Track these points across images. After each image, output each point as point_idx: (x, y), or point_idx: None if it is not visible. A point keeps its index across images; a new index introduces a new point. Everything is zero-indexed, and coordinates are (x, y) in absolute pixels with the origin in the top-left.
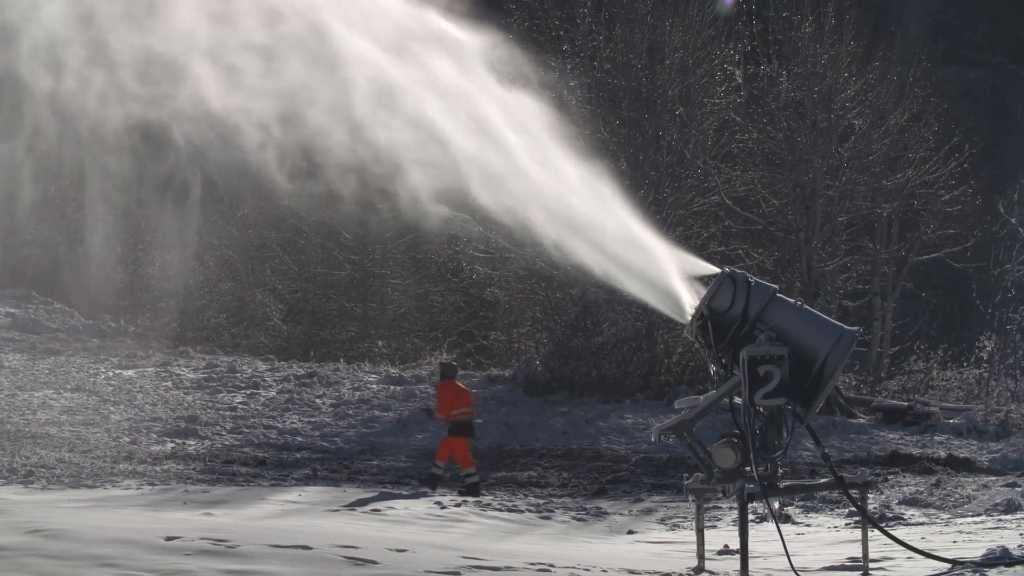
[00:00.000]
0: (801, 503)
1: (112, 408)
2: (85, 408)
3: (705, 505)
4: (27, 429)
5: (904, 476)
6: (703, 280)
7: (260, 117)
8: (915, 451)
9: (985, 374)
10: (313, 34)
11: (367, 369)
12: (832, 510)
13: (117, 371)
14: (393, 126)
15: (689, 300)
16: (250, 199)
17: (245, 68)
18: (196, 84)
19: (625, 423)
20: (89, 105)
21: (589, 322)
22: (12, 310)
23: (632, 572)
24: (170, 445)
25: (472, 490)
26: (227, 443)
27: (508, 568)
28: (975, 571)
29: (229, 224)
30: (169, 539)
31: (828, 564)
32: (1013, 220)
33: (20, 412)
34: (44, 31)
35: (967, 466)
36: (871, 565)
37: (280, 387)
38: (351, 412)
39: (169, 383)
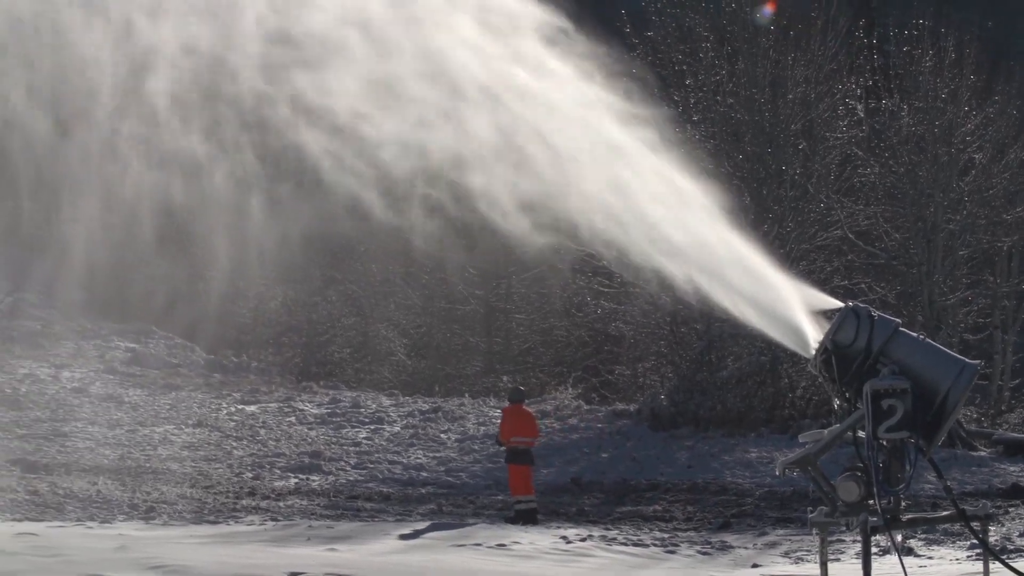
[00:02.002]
0: (923, 536)
1: (234, 443)
2: (207, 443)
3: (829, 538)
4: (148, 465)
5: None
6: (827, 314)
7: (382, 149)
8: None
9: None
10: (434, 65)
11: (492, 404)
12: (954, 542)
13: (239, 406)
14: (519, 160)
15: (813, 334)
16: (374, 234)
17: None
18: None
19: (749, 457)
20: (200, 146)
21: (714, 356)
22: (133, 345)
23: None
24: (293, 480)
25: (523, 517)
26: (351, 478)
27: None
28: None
29: (352, 259)
30: (292, 575)
31: None
32: None
33: (141, 448)
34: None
35: None
36: None
37: (405, 422)
38: (476, 447)
39: (292, 418)
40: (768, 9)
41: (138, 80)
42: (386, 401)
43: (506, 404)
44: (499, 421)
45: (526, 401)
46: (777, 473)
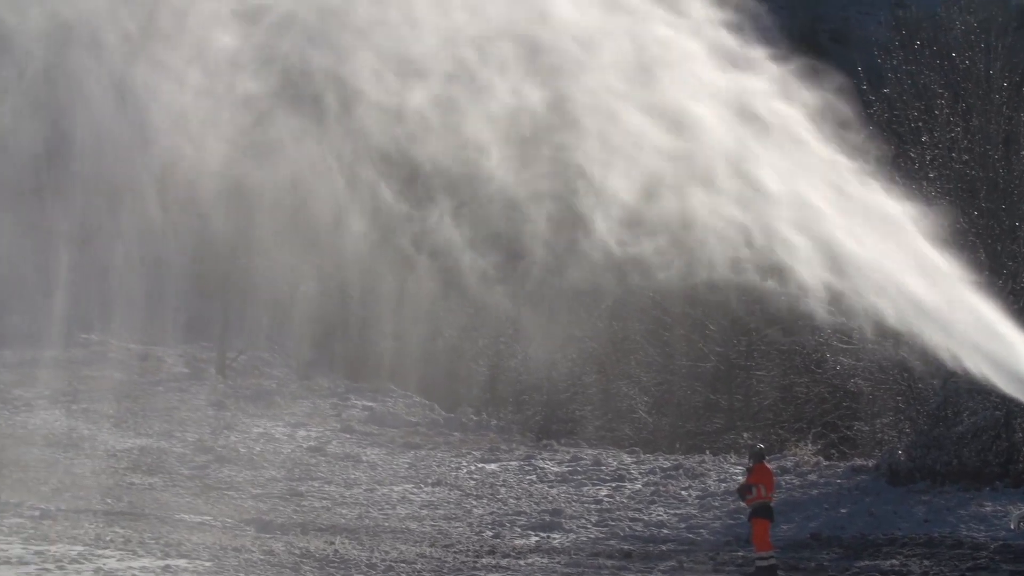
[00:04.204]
0: None
1: (474, 502)
2: (447, 502)
3: None
4: (386, 524)
5: None
6: None
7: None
8: None
9: None
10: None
11: (732, 460)
12: None
13: (479, 465)
14: (758, 221)
15: None
16: (614, 291)
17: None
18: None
19: (984, 511)
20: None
21: (950, 411)
22: (370, 404)
23: None
24: (534, 539)
25: (764, 573)
26: (592, 536)
27: None
28: None
29: (593, 316)
30: None
31: None
32: None
33: (379, 507)
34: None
35: None
36: None
37: (646, 479)
38: (717, 504)
39: (533, 476)
40: None
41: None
42: (627, 458)
43: (748, 462)
44: (742, 478)
45: (767, 458)
46: (1012, 527)
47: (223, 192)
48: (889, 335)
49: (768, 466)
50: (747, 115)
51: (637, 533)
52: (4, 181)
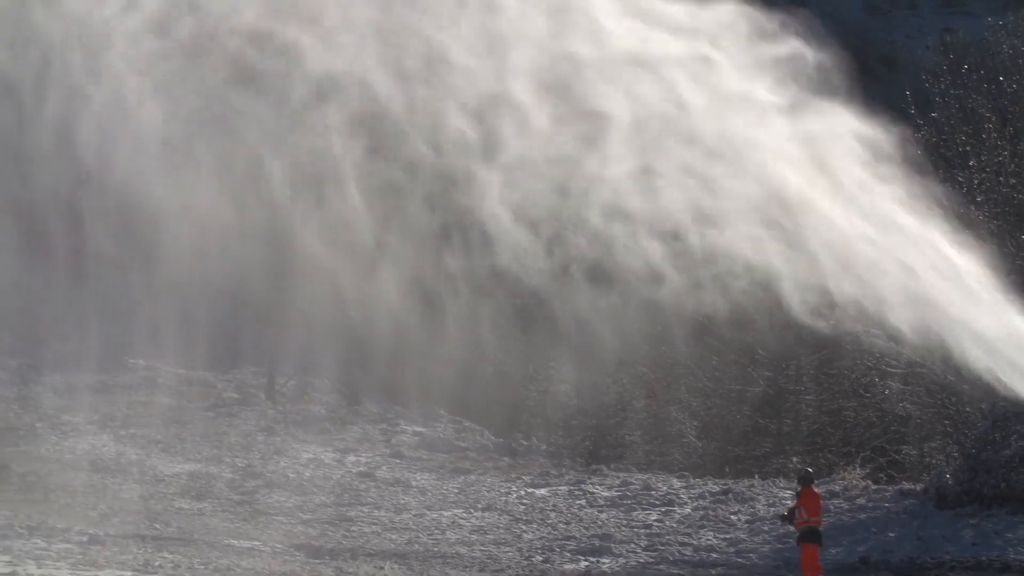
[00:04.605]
0: None
1: (524, 527)
2: (496, 527)
3: None
4: (436, 549)
5: None
6: None
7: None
8: None
9: None
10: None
11: (781, 485)
12: None
13: (529, 490)
14: (804, 241)
15: None
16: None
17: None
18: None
19: None
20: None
21: (998, 435)
22: (420, 429)
23: None
24: (584, 563)
25: None
26: (641, 560)
27: None
28: None
29: (644, 341)
30: None
31: None
32: None
33: (429, 532)
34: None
35: None
36: None
37: (695, 504)
38: (766, 528)
39: (583, 501)
40: None
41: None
42: (676, 483)
43: (796, 486)
44: (789, 503)
45: (815, 482)
46: None
47: (271, 215)
48: (938, 359)
49: (815, 490)
50: (813, 158)
51: (686, 558)
52: (48, 203)
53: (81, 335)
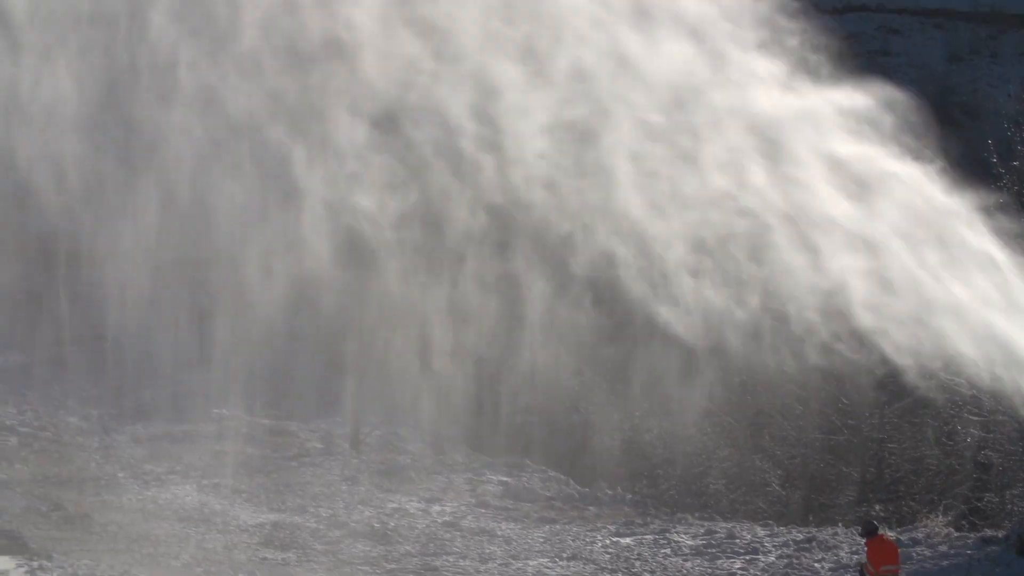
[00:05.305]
0: None
1: None
2: None
3: None
4: None
5: None
6: None
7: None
8: None
9: None
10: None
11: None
12: None
13: (614, 539)
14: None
15: None
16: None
17: None
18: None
19: None
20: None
21: None
22: (505, 479)
23: None
24: None
25: None
26: None
27: None
28: None
29: (728, 391)
30: None
31: None
32: None
33: None
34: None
35: None
36: None
37: (779, 552)
38: None
39: (667, 550)
40: None
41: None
42: (760, 531)
43: (861, 538)
44: (866, 552)
45: (884, 531)
46: None
47: (353, 267)
48: (1020, 407)
49: (886, 538)
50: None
51: None
52: (133, 255)
53: (165, 385)
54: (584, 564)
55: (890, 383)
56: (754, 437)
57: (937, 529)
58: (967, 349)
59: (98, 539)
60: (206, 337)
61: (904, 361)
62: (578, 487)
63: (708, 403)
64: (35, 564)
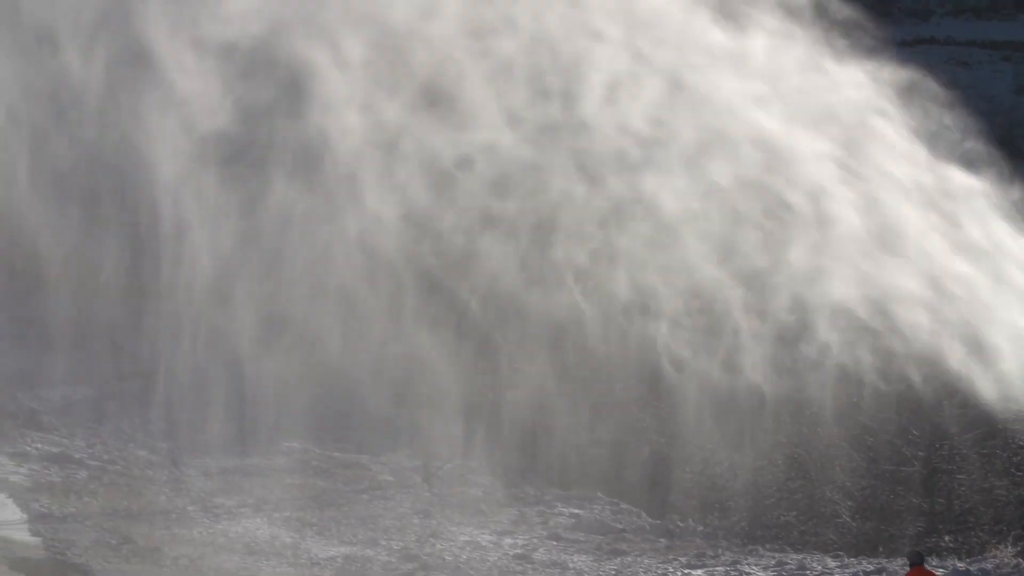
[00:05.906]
0: None
1: None
2: None
3: None
4: None
5: None
6: None
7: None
8: None
9: None
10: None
11: (934, 564)
12: None
13: (686, 571)
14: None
15: None
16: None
17: None
18: None
19: None
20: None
21: None
22: (577, 511)
23: None
24: None
25: None
26: None
27: None
28: None
29: (798, 423)
30: None
31: None
32: None
33: None
34: None
35: None
36: None
37: None
38: None
39: None
40: None
41: None
42: (831, 562)
43: (907, 566)
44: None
45: (930, 561)
46: None
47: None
48: None
49: (928, 570)
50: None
51: None
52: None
53: (235, 417)
54: None
55: (960, 414)
56: (824, 469)
57: (1006, 560)
58: None
59: (168, 573)
60: (275, 370)
61: (986, 395)
62: (649, 519)
63: (779, 435)
64: None
